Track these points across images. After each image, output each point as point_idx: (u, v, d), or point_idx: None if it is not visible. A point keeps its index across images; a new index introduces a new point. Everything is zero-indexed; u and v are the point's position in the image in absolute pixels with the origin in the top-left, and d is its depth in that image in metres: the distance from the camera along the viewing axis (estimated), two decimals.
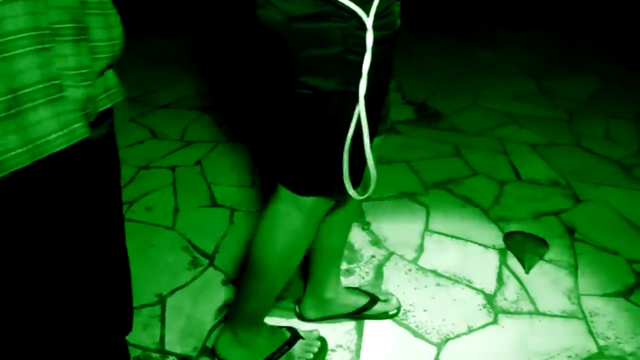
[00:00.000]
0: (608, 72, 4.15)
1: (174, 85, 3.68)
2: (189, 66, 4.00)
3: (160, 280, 2.00)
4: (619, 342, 1.81)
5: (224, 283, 2.00)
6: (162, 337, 1.78)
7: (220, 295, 1.95)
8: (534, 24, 5.24)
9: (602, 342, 1.81)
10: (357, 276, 2.06)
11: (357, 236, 2.26)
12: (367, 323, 1.85)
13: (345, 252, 2.16)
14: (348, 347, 1.76)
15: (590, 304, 1.97)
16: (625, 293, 2.02)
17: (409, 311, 1.91)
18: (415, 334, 1.82)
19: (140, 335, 1.77)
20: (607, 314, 1.92)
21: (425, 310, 1.92)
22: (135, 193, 2.49)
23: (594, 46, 4.73)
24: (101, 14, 0.80)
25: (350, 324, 1.85)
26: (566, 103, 3.61)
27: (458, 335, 1.82)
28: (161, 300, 1.91)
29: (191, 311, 1.88)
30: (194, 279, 2.02)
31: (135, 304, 1.83)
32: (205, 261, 2.10)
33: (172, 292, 1.95)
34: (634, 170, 2.83)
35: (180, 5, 5.19)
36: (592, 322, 1.89)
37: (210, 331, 1.80)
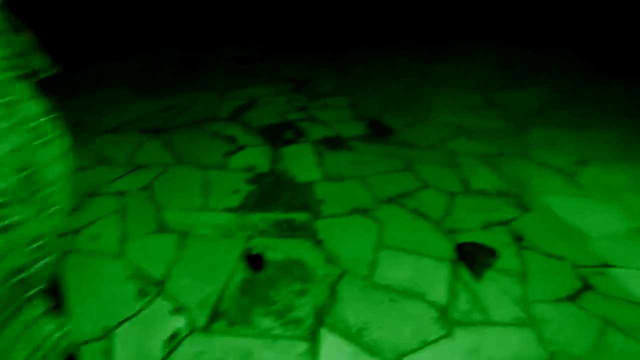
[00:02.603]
0: (551, 84, 4.30)
1: (123, 107, 3.61)
2: (138, 88, 3.93)
3: (107, 312, 1.93)
4: (568, 347, 1.84)
5: (174, 312, 1.95)
6: None
7: (170, 324, 1.90)
8: (485, 37, 5.39)
9: (552, 348, 1.84)
10: (312, 296, 2.04)
11: (310, 255, 2.25)
12: (322, 344, 1.83)
13: (299, 272, 2.14)
14: None
15: (540, 310, 2.00)
16: (572, 297, 2.07)
17: (364, 329, 1.90)
18: (371, 352, 1.81)
19: None
20: (556, 319, 1.96)
21: (380, 327, 1.91)
22: (81, 222, 2.42)
23: (541, 59, 4.90)
24: None
25: (304, 345, 1.82)
26: (513, 115, 3.71)
27: (413, 351, 1.82)
28: (108, 334, 1.84)
29: (140, 343, 1.81)
30: (142, 309, 1.96)
31: (80, 339, 1.77)
32: (154, 290, 2.05)
33: (120, 323, 1.89)
34: (577, 177, 2.92)
35: (126, 28, 5.12)
36: (542, 328, 1.92)
37: None
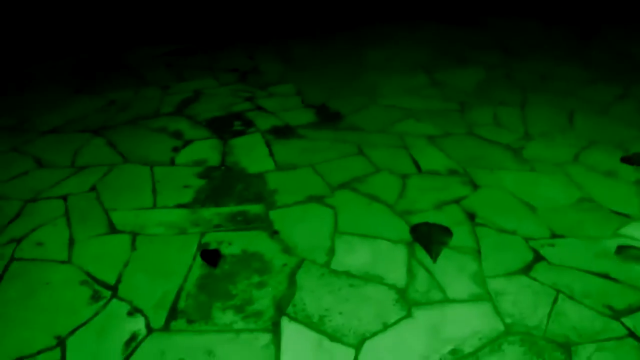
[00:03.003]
0: (492, 62, 4.40)
1: (60, 107, 3.45)
2: (72, 87, 3.77)
3: (57, 320, 1.85)
4: (524, 318, 1.90)
5: (130, 314, 1.89)
6: None
7: (127, 327, 1.84)
8: (419, 17, 5.45)
9: (508, 320, 1.89)
10: (271, 287, 2.02)
11: (266, 246, 2.22)
12: (284, 334, 1.82)
13: (256, 264, 2.12)
14: None
15: (495, 284, 2.05)
16: (525, 269, 2.13)
17: (325, 316, 1.90)
18: (333, 338, 1.81)
19: None
20: (511, 292, 2.02)
21: (340, 313, 1.91)
22: (23, 229, 2.30)
23: (478, 37, 5.00)
24: None
25: (266, 337, 1.80)
26: (456, 94, 3.78)
27: (374, 334, 1.83)
28: (60, 343, 1.77)
29: (96, 349, 1.75)
30: (96, 313, 1.89)
31: (29, 351, 1.70)
32: (108, 293, 1.98)
33: (73, 331, 1.81)
34: (523, 152, 3.00)
35: (48, 30, 4.90)
36: (498, 302, 1.97)
37: None
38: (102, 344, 1.77)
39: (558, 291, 2.01)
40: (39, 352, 1.73)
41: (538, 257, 2.20)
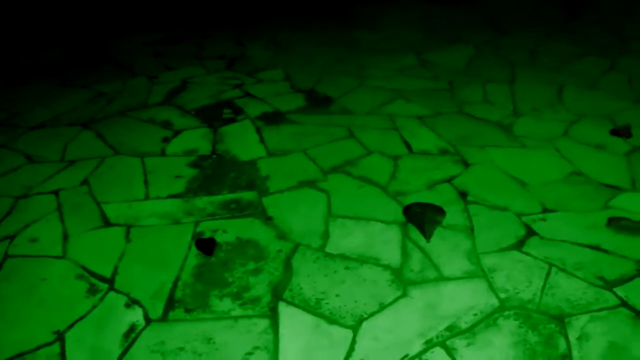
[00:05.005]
0: (480, 40, 4.39)
1: (48, 101, 3.42)
2: (58, 81, 3.73)
3: (55, 315, 1.85)
4: (518, 293, 1.92)
5: (128, 305, 1.89)
6: None
7: (125, 318, 1.84)
8: None
9: (502, 295, 1.91)
10: (267, 273, 2.03)
11: (261, 233, 2.23)
12: (282, 319, 1.83)
13: (252, 251, 2.12)
14: (265, 347, 1.74)
15: (489, 261, 2.07)
16: (518, 245, 2.15)
17: (322, 299, 1.91)
18: (330, 320, 1.83)
19: None
20: (504, 267, 2.04)
21: (337, 296, 1.93)
22: (16, 225, 2.29)
23: (467, 16, 4.98)
24: None
25: (264, 323, 1.82)
26: (445, 73, 3.78)
27: (372, 314, 1.85)
28: (59, 337, 1.77)
29: (95, 342, 1.76)
30: (94, 307, 1.89)
31: (28, 347, 1.71)
32: (104, 286, 1.98)
33: (71, 325, 1.82)
34: (513, 129, 3.02)
35: (42, 17, 4.84)
36: (492, 278, 1.99)
37: (119, 359, 1.70)
38: (101, 337, 1.78)
39: (551, 265, 2.04)
40: (38, 348, 1.73)
41: (530, 232, 2.22)
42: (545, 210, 2.35)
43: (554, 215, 2.32)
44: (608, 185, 2.51)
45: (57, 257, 2.12)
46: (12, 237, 2.22)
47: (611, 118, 3.10)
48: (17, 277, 2.03)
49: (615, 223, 2.25)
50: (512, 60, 3.97)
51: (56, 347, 1.74)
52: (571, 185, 2.52)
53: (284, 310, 1.87)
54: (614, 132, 2.95)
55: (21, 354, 1.72)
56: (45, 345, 1.74)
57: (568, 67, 3.83)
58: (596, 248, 2.13)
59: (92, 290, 1.96)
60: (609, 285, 1.95)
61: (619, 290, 1.92)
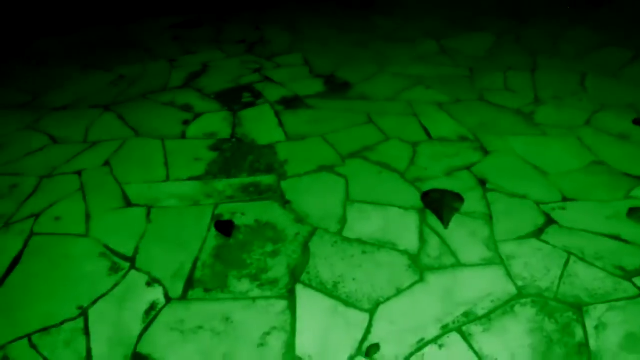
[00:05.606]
0: (501, 27, 4.34)
1: (70, 84, 3.47)
2: (83, 63, 3.78)
3: (79, 291, 1.90)
4: (535, 281, 1.92)
5: (149, 284, 1.93)
6: (89, 350, 1.70)
7: (146, 297, 1.88)
8: None
9: (520, 283, 1.91)
10: (285, 256, 2.05)
11: (279, 216, 2.25)
12: (299, 301, 1.86)
13: (270, 234, 2.15)
14: (283, 328, 1.76)
15: (507, 248, 2.07)
16: (537, 233, 2.15)
17: (339, 283, 1.93)
18: (347, 304, 1.85)
19: (63, 354, 1.68)
20: (522, 255, 2.04)
21: (354, 279, 1.94)
22: (41, 204, 2.34)
23: (487, 2, 4.92)
24: None
25: (282, 304, 1.84)
26: (466, 60, 3.74)
27: (388, 299, 1.87)
28: (83, 313, 1.82)
29: (117, 318, 1.80)
30: (116, 284, 1.93)
31: (54, 321, 1.75)
32: (126, 264, 2.02)
33: (94, 302, 1.86)
34: (534, 117, 2.99)
35: (59, 6, 4.88)
36: (509, 265, 1.99)
37: (140, 336, 1.74)
38: (122, 314, 1.82)
39: (569, 253, 2.03)
40: (63, 322, 1.78)
41: (549, 221, 2.21)
42: (565, 199, 2.34)
43: (574, 204, 2.31)
44: (630, 175, 2.49)
45: (80, 236, 2.17)
46: (37, 216, 2.27)
47: (635, 107, 3.06)
48: (43, 254, 2.08)
49: (636, 214, 2.23)
50: (534, 48, 3.92)
51: (80, 322, 1.78)
52: (592, 175, 2.50)
53: (301, 292, 1.90)
54: (637, 122, 2.90)
55: (46, 328, 1.77)
56: (70, 320, 1.79)
57: (591, 55, 3.77)
58: (616, 238, 2.11)
59: (115, 269, 2.00)
60: (629, 275, 1.94)
61: (638, 281, 1.91)
